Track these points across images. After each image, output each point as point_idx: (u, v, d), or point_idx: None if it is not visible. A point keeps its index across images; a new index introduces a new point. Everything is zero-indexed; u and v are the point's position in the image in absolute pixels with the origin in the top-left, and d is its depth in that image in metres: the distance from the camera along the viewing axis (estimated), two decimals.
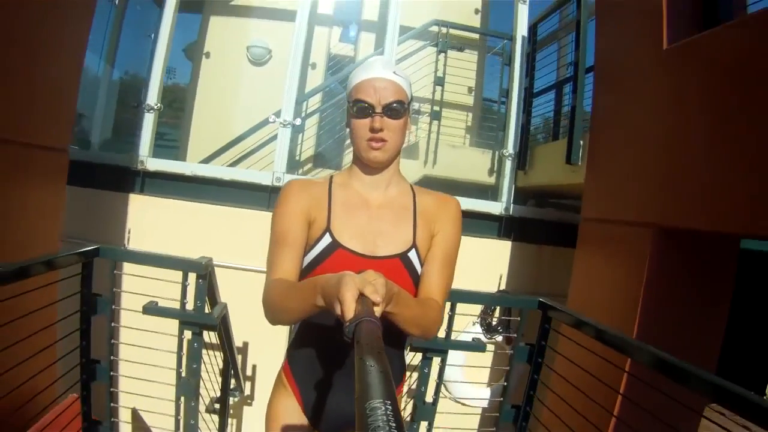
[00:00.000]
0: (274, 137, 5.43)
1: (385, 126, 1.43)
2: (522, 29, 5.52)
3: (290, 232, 1.47)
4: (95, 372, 2.78)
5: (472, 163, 6.15)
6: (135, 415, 3.99)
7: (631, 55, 3.54)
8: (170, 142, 7.49)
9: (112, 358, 2.81)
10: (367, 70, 1.47)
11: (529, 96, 5.41)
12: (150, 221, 4.57)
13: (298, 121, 5.12)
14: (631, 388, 2.51)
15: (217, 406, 3.67)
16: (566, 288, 3.83)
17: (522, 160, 5.34)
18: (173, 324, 2.69)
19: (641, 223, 3.23)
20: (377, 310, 1.05)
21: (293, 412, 1.57)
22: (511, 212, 5.19)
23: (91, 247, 2.62)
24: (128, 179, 4.71)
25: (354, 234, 1.49)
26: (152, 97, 4.82)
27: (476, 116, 7.09)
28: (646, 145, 3.29)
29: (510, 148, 5.30)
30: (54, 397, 2.66)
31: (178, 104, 7.67)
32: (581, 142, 4.27)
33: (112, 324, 2.79)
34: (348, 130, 1.54)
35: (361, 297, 1.04)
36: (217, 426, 3.57)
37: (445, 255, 1.53)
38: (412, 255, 1.50)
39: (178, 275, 2.72)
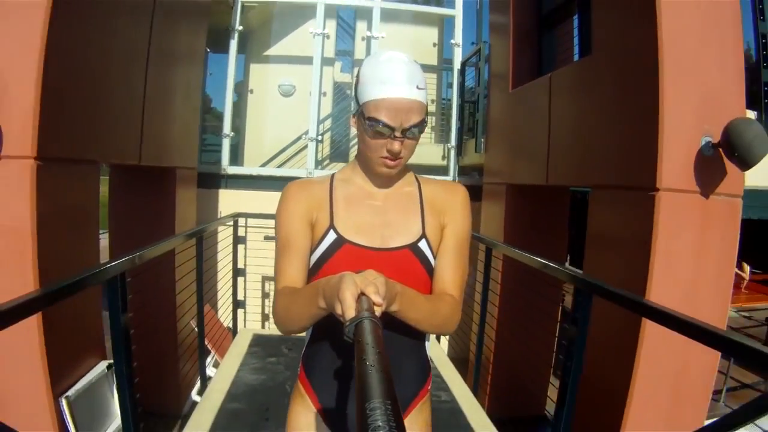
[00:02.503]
0: (305, 146, 8.28)
1: (403, 147, 1.33)
2: (457, 64, 8.20)
3: (292, 236, 1.41)
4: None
5: (432, 153, 8.83)
6: None
7: (497, 93, 6.30)
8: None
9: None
10: (389, 85, 1.28)
11: (461, 108, 8.10)
12: (230, 206, 6.95)
13: (320, 138, 7.97)
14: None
15: None
16: (478, 226, 6.43)
17: (459, 149, 8.09)
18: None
19: (501, 183, 5.88)
20: (378, 310, 1.01)
21: (313, 422, 1.49)
22: (456, 182, 7.87)
23: (234, 213, 5.32)
24: (218, 180, 7.43)
25: (360, 228, 1.41)
26: (227, 127, 7.67)
27: (437, 120, 9.83)
28: (507, 141, 5.98)
29: (453, 142, 8.11)
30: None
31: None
32: (482, 139, 6.90)
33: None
34: (357, 132, 1.42)
35: (362, 296, 1.01)
36: None
37: (457, 246, 1.46)
38: (423, 245, 1.42)
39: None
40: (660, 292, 3.20)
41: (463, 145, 8.09)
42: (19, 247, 2.82)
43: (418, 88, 1.31)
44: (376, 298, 1.02)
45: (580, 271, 3.26)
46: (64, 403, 3.11)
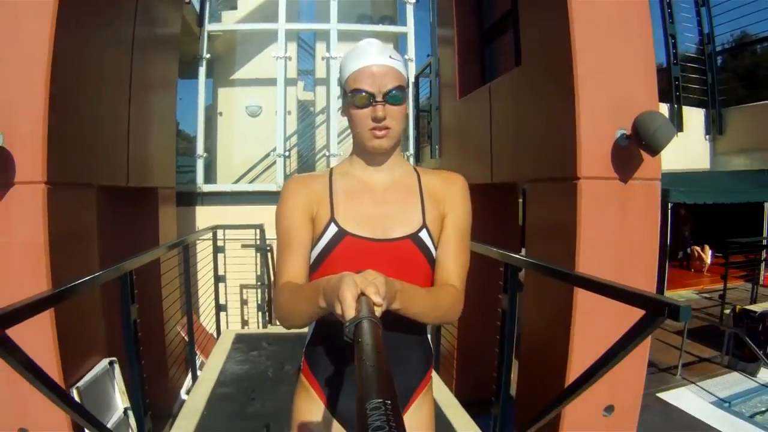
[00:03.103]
0: (273, 162, 8.80)
1: (388, 114, 1.35)
2: (412, 77, 8.75)
3: (292, 231, 1.42)
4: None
5: None
6: None
7: (447, 101, 6.87)
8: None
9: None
10: (363, 57, 1.36)
11: (416, 117, 8.69)
12: (207, 221, 7.17)
13: (287, 153, 8.51)
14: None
15: None
16: None
17: (417, 156, 8.68)
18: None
19: None
20: (378, 311, 1.02)
21: (319, 414, 1.49)
22: None
23: (213, 225, 5.83)
24: (194, 198, 7.89)
25: (361, 220, 1.42)
26: (200, 148, 8.17)
27: None
28: (457, 146, 6.50)
29: (411, 150, 8.67)
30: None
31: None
32: (436, 146, 7.47)
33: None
34: (346, 119, 1.46)
35: (362, 296, 1.02)
36: None
37: (458, 236, 1.49)
38: (424, 235, 1.43)
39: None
40: (586, 268, 3.50)
41: (420, 151, 8.72)
42: (34, 260, 3.20)
43: (391, 57, 1.38)
44: (376, 299, 1.03)
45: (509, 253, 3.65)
46: (75, 393, 3.37)
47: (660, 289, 11.34)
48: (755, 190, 10.56)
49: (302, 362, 1.57)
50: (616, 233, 3.73)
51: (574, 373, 3.55)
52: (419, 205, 1.47)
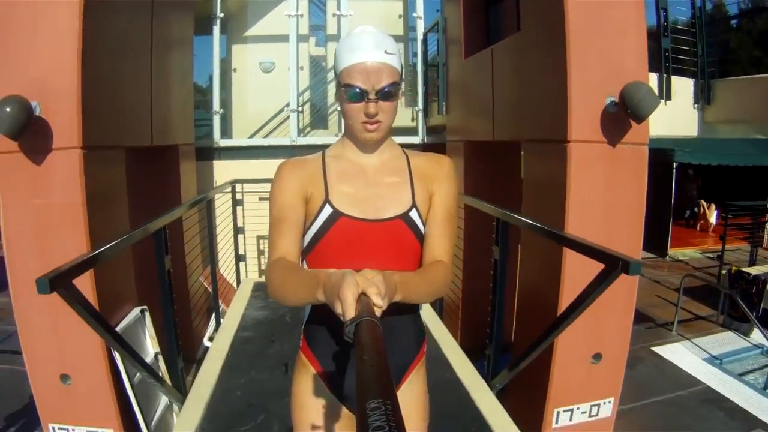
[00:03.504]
0: (287, 117, 9.10)
1: (380, 109, 1.38)
2: (420, 35, 8.96)
3: (286, 209, 1.45)
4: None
5: (402, 115, 9.28)
6: None
7: (454, 60, 7.05)
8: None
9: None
10: (358, 52, 1.37)
11: (425, 74, 8.85)
12: (224, 175, 7.66)
13: (300, 108, 8.76)
14: None
15: None
16: None
17: (426, 112, 8.91)
18: None
19: (460, 140, 6.69)
20: (378, 311, 1.02)
21: (318, 390, 1.54)
22: (425, 141, 8.83)
23: (232, 180, 6.13)
24: (212, 152, 8.21)
25: (354, 201, 1.46)
26: (216, 105, 8.45)
27: (406, 86, 10.48)
28: (463, 104, 6.72)
29: (420, 105, 8.95)
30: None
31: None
32: (444, 102, 7.66)
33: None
34: (339, 106, 1.49)
35: (362, 296, 1.03)
36: None
37: (445, 213, 1.53)
38: (414, 214, 1.48)
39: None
40: (575, 225, 3.76)
41: (429, 107, 8.93)
42: (73, 219, 3.49)
43: (386, 52, 1.38)
44: (377, 300, 1.04)
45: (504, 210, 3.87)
46: None
47: (663, 248, 11.80)
48: (763, 154, 10.60)
49: (301, 340, 1.61)
50: (604, 193, 3.94)
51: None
52: (409, 185, 1.52)
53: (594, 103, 3.84)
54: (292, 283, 1.30)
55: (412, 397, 1.60)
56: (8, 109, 3.03)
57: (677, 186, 12.34)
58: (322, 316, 1.48)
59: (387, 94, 1.39)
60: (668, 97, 9.40)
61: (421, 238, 1.51)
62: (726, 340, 7.59)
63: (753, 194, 13.02)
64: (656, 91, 9.14)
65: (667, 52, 9.18)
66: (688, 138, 10.21)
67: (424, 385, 1.68)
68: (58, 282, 2.13)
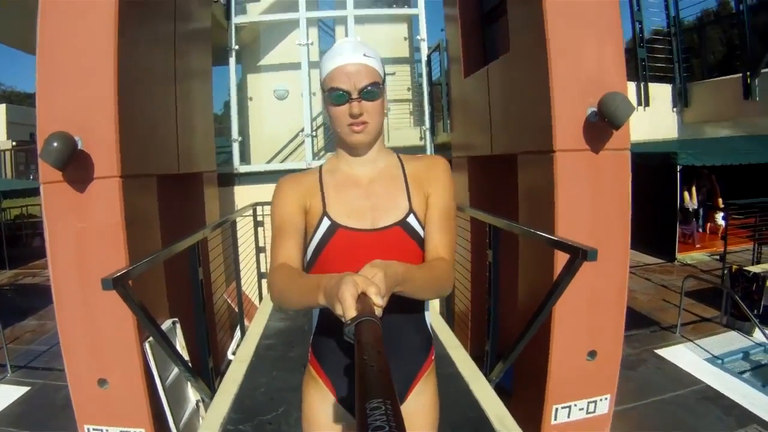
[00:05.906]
0: (302, 142, 9.52)
1: (364, 110, 1.41)
2: (424, 56, 9.35)
3: (287, 219, 1.48)
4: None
5: (411, 135, 10.06)
6: None
7: (455, 79, 7.36)
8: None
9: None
10: (338, 57, 1.42)
11: (430, 94, 9.22)
12: (244, 199, 7.80)
13: (314, 133, 9.23)
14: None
15: None
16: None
17: (432, 130, 9.28)
18: None
19: (464, 156, 6.99)
20: (378, 311, 1.01)
21: (328, 403, 1.54)
22: None
23: (253, 202, 6.54)
24: (231, 178, 8.64)
25: (351, 212, 1.47)
26: (234, 132, 8.93)
27: (414, 106, 11.00)
28: (465, 121, 7.01)
29: (426, 124, 9.31)
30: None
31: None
32: (448, 121, 7.99)
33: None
34: (328, 117, 1.51)
35: (362, 296, 1.02)
36: None
37: (442, 212, 1.51)
38: (411, 220, 1.48)
39: None
40: (565, 230, 3.96)
41: (435, 126, 9.31)
42: (114, 240, 3.84)
43: (365, 55, 1.43)
44: (377, 300, 1.03)
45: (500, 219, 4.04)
46: (147, 345, 3.97)
47: (671, 253, 11.92)
48: (764, 151, 10.65)
49: (309, 353, 1.63)
50: (589, 198, 4.17)
51: (557, 316, 4.13)
52: (404, 191, 1.52)
53: (576, 114, 4.10)
54: (293, 287, 1.31)
55: (419, 408, 1.59)
56: (55, 144, 3.43)
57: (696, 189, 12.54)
58: (328, 327, 1.54)
59: (370, 93, 1.42)
60: (647, 104, 9.97)
61: (421, 242, 1.50)
62: (729, 340, 7.64)
63: (760, 193, 12.83)
64: (635, 98, 9.79)
65: (643, 61, 9.73)
66: (689, 139, 10.48)
67: (434, 395, 1.65)
68: (118, 282, 2.59)
